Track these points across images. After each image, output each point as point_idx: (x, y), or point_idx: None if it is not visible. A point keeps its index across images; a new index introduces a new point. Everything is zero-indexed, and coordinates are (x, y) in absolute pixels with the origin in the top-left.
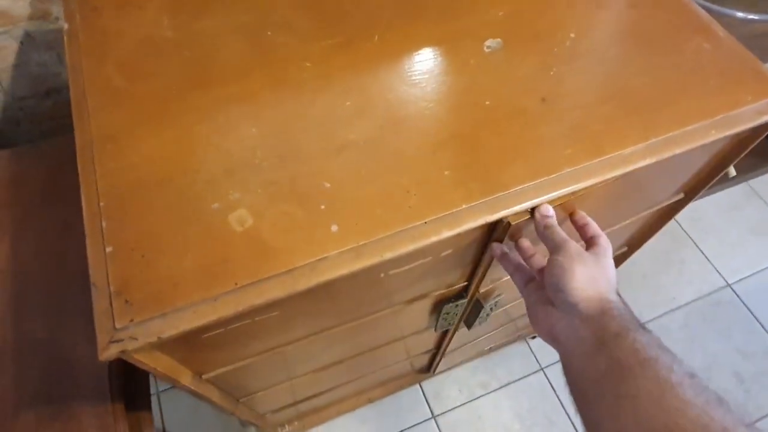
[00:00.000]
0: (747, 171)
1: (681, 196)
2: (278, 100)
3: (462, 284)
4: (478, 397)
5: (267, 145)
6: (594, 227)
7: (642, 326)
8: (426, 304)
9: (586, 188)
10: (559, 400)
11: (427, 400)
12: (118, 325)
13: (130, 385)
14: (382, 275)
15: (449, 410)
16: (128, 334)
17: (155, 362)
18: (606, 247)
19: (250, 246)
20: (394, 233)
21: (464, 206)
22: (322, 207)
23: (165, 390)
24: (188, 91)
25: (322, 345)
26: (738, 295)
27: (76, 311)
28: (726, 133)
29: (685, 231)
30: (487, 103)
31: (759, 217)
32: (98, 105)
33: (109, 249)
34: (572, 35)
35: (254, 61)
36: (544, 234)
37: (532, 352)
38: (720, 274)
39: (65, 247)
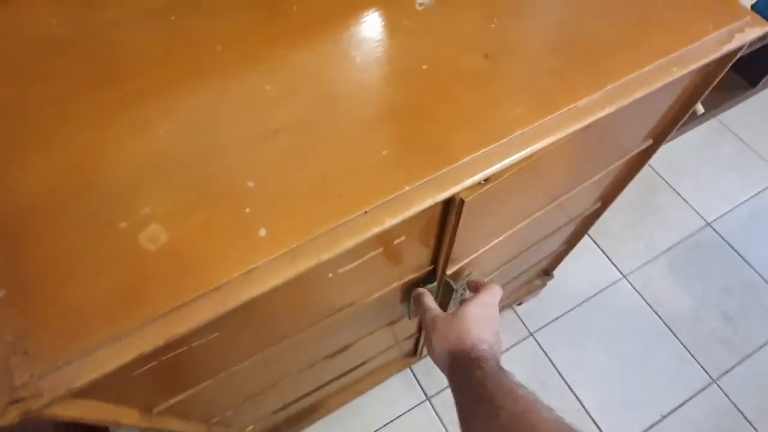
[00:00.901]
0: (715, 106)
1: (649, 142)
2: (189, 91)
3: (427, 269)
4: None
5: (180, 145)
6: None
7: (482, 365)
8: (393, 294)
9: (543, 149)
10: (551, 362)
11: (419, 382)
12: (17, 382)
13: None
14: (331, 275)
15: (443, 389)
16: (31, 391)
17: (81, 412)
18: (488, 290)
19: (168, 266)
20: (330, 229)
21: (407, 188)
22: (247, 210)
23: None
24: (88, 93)
25: (287, 354)
26: (718, 233)
27: None
28: (688, 68)
29: (659, 175)
30: (425, 67)
31: (732, 151)
32: None
33: (1, 294)
34: None
35: (159, 51)
36: (415, 301)
37: (520, 319)
38: (699, 214)
39: None
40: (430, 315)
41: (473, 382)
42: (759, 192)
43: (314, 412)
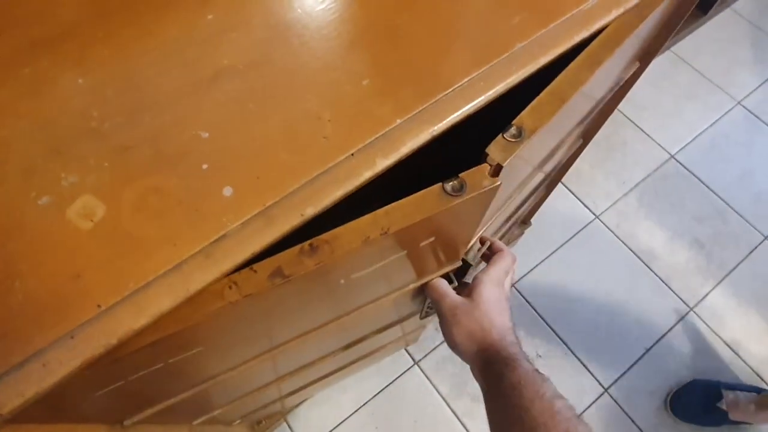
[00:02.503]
0: None
1: (636, 65)
2: (108, 33)
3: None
4: None
5: (105, 99)
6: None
7: (515, 367)
8: (407, 293)
9: (547, 64)
10: (535, 310)
11: (406, 349)
12: None
13: None
14: (343, 281)
15: (430, 351)
16: None
17: None
18: (497, 264)
19: (110, 245)
20: (311, 179)
21: (399, 121)
22: (204, 167)
23: None
24: None
25: (284, 356)
26: (683, 165)
27: None
28: None
29: (620, 111)
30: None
31: (688, 81)
32: None
33: None
34: None
35: None
36: (429, 292)
37: None
38: (662, 147)
39: None
40: (447, 303)
41: (507, 390)
42: (717, 120)
43: (303, 395)
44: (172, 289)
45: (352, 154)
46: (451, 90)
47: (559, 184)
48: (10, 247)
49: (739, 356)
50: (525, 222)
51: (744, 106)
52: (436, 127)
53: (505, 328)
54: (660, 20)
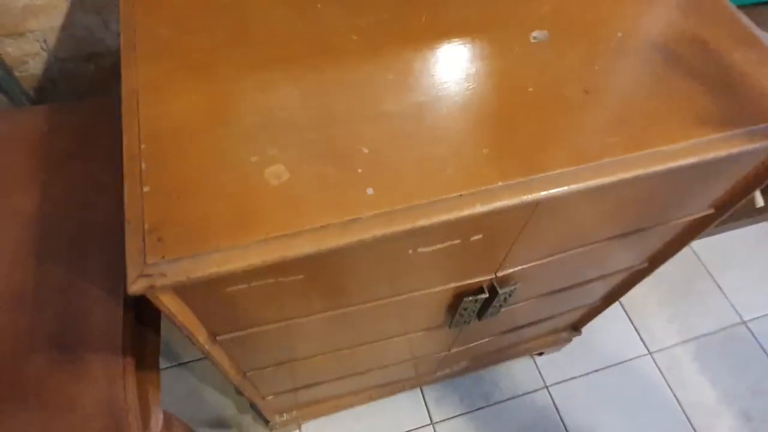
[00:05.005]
0: None
1: (711, 211)
2: (321, 66)
3: (485, 278)
4: (479, 408)
5: (307, 107)
6: None
7: None
8: (445, 296)
9: (625, 180)
10: (561, 418)
11: (427, 406)
12: (149, 261)
13: (140, 345)
14: (411, 252)
15: (449, 418)
16: (158, 270)
17: (176, 308)
18: None
19: (284, 200)
20: (428, 202)
21: (500, 183)
22: (359, 170)
23: (165, 368)
24: (233, 49)
25: (336, 325)
26: (753, 334)
27: (97, 263)
28: (764, 143)
29: (703, 264)
30: (530, 89)
31: None
32: (146, 54)
33: (146, 189)
34: (619, 34)
35: (300, 28)
36: None
37: (538, 369)
38: (736, 310)
39: (92, 200)
40: None
41: None
42: None
43: (322, 404)
44: (316, 241)
45: (461, 195)
46: (545, 174)
47: (621, 310)
48: (224, 178)
49: None
50: (576, 328)
51: None
52: (526, 197)
53: None
54: (736, 178)
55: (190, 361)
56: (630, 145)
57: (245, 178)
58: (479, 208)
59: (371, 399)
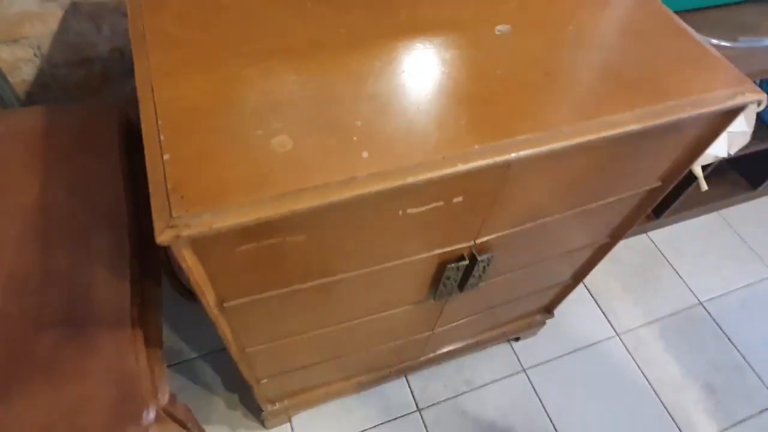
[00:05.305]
0: (719, 199)
1: (659, 183)
2: (315, 56)
3: (465, 244)
4: (462, 393)
5: (305, 90)
6: None
7: None
8: (430, 265)
9: (580, 144)
10: (540, 400)
11: (412, 393)
12: (174, 214)
13: (145, 323)
14: (401, 213)
15: (434, 404)
16: (183, 222)
17: (192, 264)
18: None
19: (290, 164)
20: (416, 164)
21: (477, 147)
22: (354, 139)
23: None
24: (236, 43)
25: (330, 294)
26: (710, 313)
27: (99, 248)
28: (699, 110)
29: (662, 253)
30: (498, 72)
31: (730, 243)
32: (156, 46)
33: (166, 156)
34: (572, 28)
35: (296, 25)
36: None
37: (515, 354)
38: (693, 292)
39: (92, 192)
40: None
41: None
42: (751, 283)
43: (313, 392)
44: (320, 196)
45: (443, 157)
46: (514, 139)
47: (589, 296)
48: (235, 148)
49: None
50: (549, 311)
51: None
52: (499, 158)
53: None
54: (680, 149)
55: (177, 363)
56: (584, 115)
57: (254, 148)
58: (460, 167)
59: (359, 386)
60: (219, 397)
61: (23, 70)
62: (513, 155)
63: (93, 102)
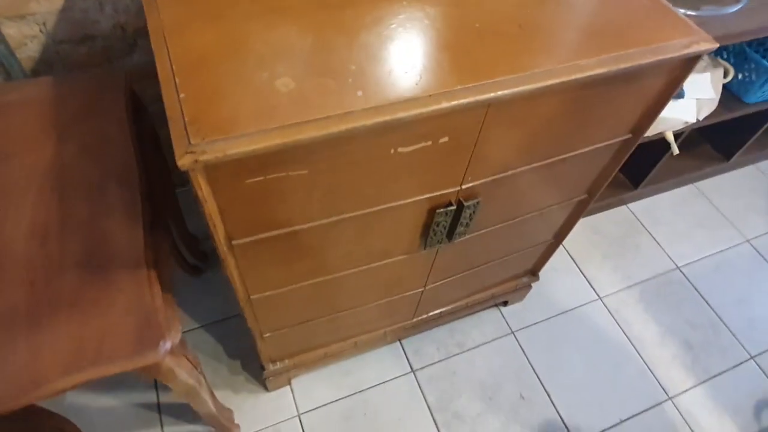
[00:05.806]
0: (694, 171)
1: (629, 135)
2: (313, 13)
3: (452, 189)
4: (454, 355)
5: (305, 40)
6: None
7: None
8: (420, 210)
9: (552, 86)
10: (528, 360)
11: (407, 356)
12: (192, 141)
13: (158, 267)
14: (392, 151)
15: (427, 366)
16: (200, 148)
17: (206, 194)
18: None
19: (293, 101)
20: (405, 100)
21: (459, 87)
22: (350, 80)
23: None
24: (238, 2)
25: (328, 238)
26: (686, 277)
27: (113, 201)
28: (659, 57)
29: (640, 221)
30: (477, 25)
31: (704, 212)
32: (165, 3)
33: (182, 95)
34: None
35: None
36: None
37: (504, 318)
38: (670, 258)
39: (104, 151)
40: None
41: None
42: (725, 249)
43: (312, 353)
44: (322, 127)
45: (430, 96)
46: (494, 80)
47: (573, 263)
48: (243, 88)
49: None
50: (534, 273)
51: (752, 245)
52: (480, 97)
53: None
54: (644, 99)
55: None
56: (555, 61)
57: (261, 88)
58: (444, 105)
59: (356, 347)
60: (222, 364)
61: (29, 47)
62: (492, 94)
63: (99, 71)
